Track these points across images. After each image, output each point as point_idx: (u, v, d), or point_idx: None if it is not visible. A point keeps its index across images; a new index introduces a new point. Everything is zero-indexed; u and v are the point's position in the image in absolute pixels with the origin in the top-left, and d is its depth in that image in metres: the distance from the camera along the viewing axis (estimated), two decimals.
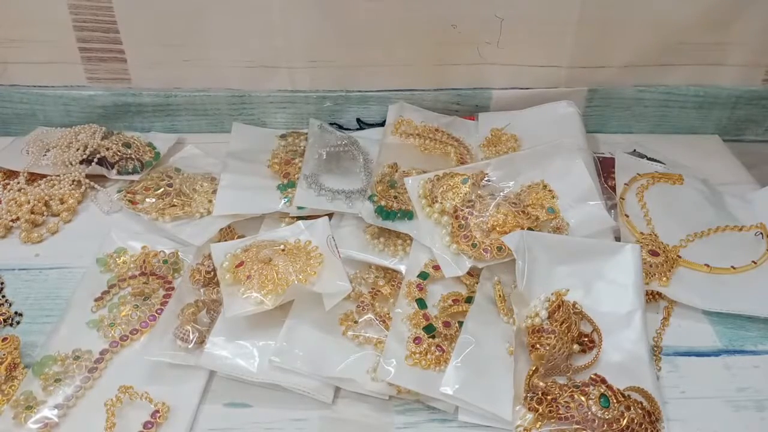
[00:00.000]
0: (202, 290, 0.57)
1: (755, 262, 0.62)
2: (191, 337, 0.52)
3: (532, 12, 0.73)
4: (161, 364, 0.51)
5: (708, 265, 0.61)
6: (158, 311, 0.56)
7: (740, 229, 0.65)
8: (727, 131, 0.83)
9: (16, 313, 0.57)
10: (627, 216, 0.65)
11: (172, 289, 0.59)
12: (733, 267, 0.61)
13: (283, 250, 0.57)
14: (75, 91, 0.79)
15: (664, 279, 0.59)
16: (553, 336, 0.49)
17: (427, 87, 0.80)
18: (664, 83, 0.80)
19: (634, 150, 0.78)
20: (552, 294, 0.53)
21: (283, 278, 0.54)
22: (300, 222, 0.63)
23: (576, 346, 0.51)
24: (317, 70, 0.78)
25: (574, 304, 0.53)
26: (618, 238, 0.63)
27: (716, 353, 0.55)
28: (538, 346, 0.49)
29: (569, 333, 0.50)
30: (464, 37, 0.75)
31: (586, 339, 0.52)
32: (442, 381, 0.48)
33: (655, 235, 0.63)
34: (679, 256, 0.62)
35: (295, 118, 0.81)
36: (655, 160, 0.76)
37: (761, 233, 0.65)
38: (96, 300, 0.57)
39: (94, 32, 0.75)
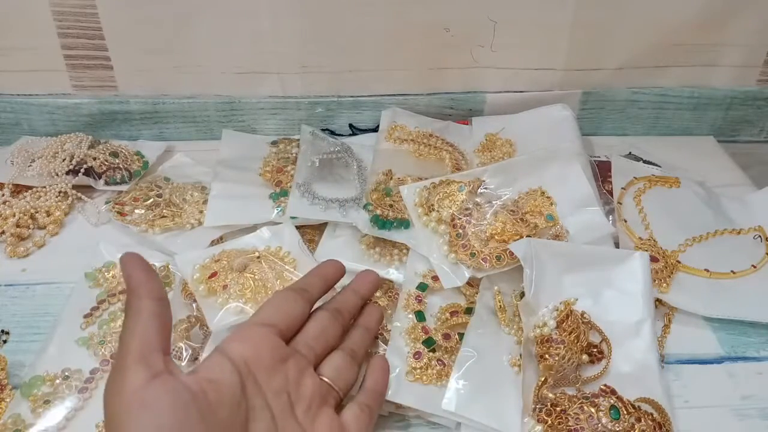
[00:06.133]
0: (194, 305, 0.56)
1: (755, 266, 0.61)
2: (184, 354, 0.51)
3: (525, 15, 0.72)
4: None
5: (708, 270, 0.60)
6: None
7: (738, 233, 0.65)
8: (722, 132, 0.83)
9: (2, 331, 0.55)
10: (625, 221, 0.64)
11: None
12: (733, 272, 0.60)
13: (258, 258, 0.56)
14: (60, 100, 0.77)
15: (665, 285, 0.58)
16: (562, 346, 0.48)
17: (420, 91, 0.78)
18: (659, 85, 0.79)
19: (630, 153, 0.77)
20: (560, 303, 0.52)
21: (261, 285, 0.53)
22: (265, 228, 0.62)
23: (585, 357, 0.50)
24: (308, 75, 0.76)
25: (582, 314, 0.52)
26: (617, 244, 0.62)
27: (719, 360, 0.54)
28: (546, 356, 0.48)
29: (578, 343, 0.49)
30: (457, 40, 0.74)
31: (595, 349, 0.51)
32: (444, 397, 0.47)
33: (654, 241, 0.63)
34: (679, 262, 0.61)
35: (286, 125, 0.80)
36: (651, 163, 0.75)
37: (760, 236, 0.64)
38: (85, 317, 0.56)
39: (78, 39, 0.73)
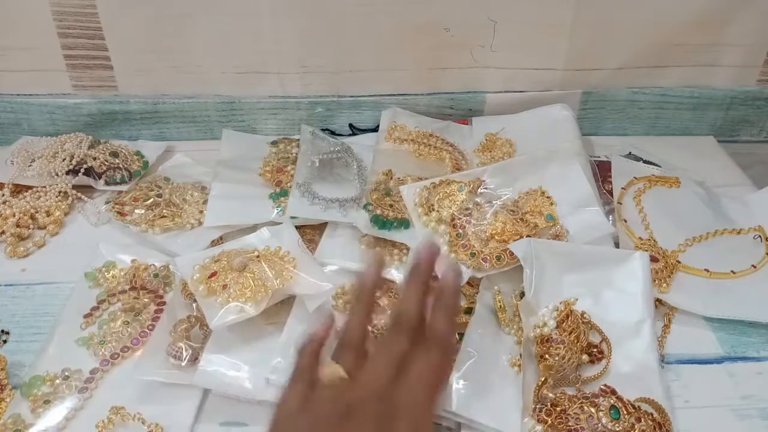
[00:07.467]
0: (194, 305, 0.56)
1: (755, 266, 0.61)
2: (184, 354, 0.50)
3: (525, 15, 0.73)
4: (154, 382, 0.50)
5: (708, 270, 0.60)
6: (150, 327, 0.55)
7: (738, 233, 0.65)
8: (722, 132, 0.83)
9: (2, 331, 0.55)
10: (625, 221, 0.64)
11: (164, 303, 0.57)
12: (733, 272, 0.60)
13: (257, 257, 0.56)
14: (60, 99, 0.77)
15: (665, 285, 0.58)
16: (562, 346, 0.48)
17: (420, 91, 0.78)
18: (659, 85, 0.79)
19: (630, 153, 0.77)
20: (560, 303, 0.52)
21: (260, 284, 0.53)
22: (264, 229, 0.62)
23: (585, 357, 0.50)
24: (308, 75, 0.76)
25: (582, 314, 0.52)
26: (617, 244, 0.62)
27: (719, 360, 0.54)
28: (546, 356, 0.48)
29: (578, 343, 0.49)
30: (457, 40, 0.74)
31: (595, 349, 0.51)
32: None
33: (654, 241, 0.63)
34: (679, 262, 0.61)
35: (286, 125, 0.80)
36: (651, 163, 0.75)
37: (760, 236, 0.64)
38: (85, 317, 0.56)
39: (79, 39, 0.73)
